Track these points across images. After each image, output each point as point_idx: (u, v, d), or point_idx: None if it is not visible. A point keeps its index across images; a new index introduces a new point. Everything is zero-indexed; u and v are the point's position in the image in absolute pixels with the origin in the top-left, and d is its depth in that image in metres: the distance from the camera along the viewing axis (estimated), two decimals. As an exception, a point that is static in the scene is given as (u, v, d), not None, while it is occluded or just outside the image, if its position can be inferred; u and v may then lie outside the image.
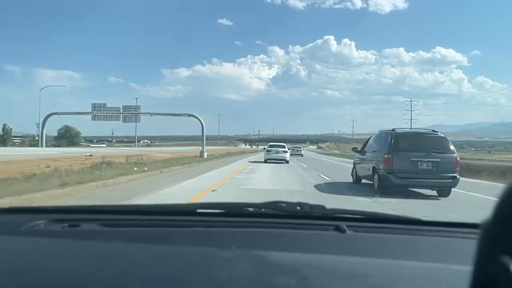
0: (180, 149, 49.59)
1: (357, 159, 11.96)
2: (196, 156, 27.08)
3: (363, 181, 11.21)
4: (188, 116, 36.97)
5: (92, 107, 40.03)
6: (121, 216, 1.37)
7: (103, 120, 40.54)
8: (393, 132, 9.49)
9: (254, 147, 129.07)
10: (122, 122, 41.68)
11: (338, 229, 1.17)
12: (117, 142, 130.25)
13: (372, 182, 9.98)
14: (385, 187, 9.07)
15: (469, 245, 0.57)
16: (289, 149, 27.52)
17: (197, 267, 0.83)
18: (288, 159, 24.25)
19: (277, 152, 24.11)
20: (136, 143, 74.69)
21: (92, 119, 39.87)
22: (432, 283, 0.77)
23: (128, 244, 1.01)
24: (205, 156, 28.43)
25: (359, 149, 11.93)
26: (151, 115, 41.87)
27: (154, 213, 1.42)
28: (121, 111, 41.12)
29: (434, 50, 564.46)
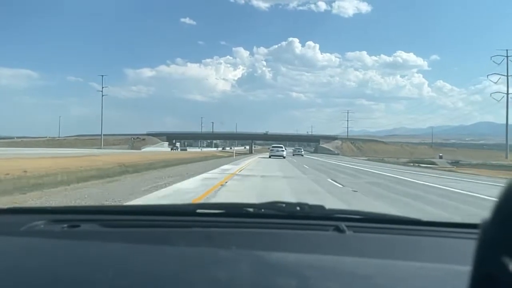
0: None
1: None
2: None
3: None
4: None
5: None
6: (121, 217, 1.37)
7: None
8: None
9: (197, 149, 79.21)
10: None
11: (338, 229, 1.17)
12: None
13: None
14: None
15: (469, 245, 0.57)
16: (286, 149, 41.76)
17: (196, 267, 0.83)
18: (285, 156, 36.61)
19: (278, 151, 37.03)
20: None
21: None
22: (432, 283, 0.77)
23: (128, 245, 1.01)
24: None
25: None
26: None
27: (153, 214, 1.42)
28: None
29: (396, 54, 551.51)
